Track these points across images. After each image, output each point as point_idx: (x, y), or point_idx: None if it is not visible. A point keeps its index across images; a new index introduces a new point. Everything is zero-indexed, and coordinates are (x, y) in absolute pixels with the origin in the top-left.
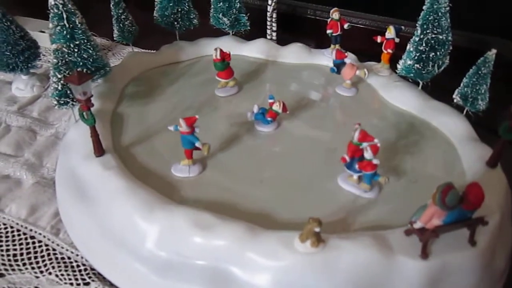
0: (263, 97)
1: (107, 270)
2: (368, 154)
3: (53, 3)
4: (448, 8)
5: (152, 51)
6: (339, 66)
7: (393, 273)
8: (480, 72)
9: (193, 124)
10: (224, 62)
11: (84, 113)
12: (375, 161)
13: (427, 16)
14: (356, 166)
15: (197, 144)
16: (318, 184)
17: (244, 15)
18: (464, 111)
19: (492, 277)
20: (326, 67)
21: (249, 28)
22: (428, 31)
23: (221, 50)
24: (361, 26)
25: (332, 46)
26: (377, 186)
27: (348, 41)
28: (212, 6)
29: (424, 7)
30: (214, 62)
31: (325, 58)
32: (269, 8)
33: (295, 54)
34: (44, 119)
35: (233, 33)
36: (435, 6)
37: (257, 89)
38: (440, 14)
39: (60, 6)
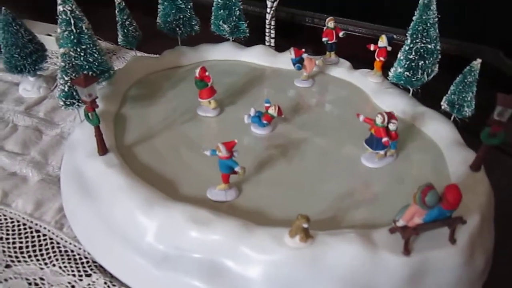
0: (260, 101)
1: (108, 263)
2: (394, 126)
3: (61, 9)
4: (436, 19)
5: (155, 55)
6: (299, 62)
7: (377, 268)
8: (466, 81)
9: (232, 148)
10: (202, 82)
11: (89, 114)
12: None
13: (417, 26)
14: (384, 140)
15: (237, 169)
16: (309, 184)
17: (243, 22)
18: (452, 118)
19: (472, 275)
20: (321, 74)
21: (248, 34)
22: (417, 40)
23: (201, 69)
24: (357, 34)
25: (327, 53)
26: None
27: (344, 48)
28: (212, 13)
29: (413, 18)
30: (195, 79)
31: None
32: (268, 16)
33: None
34: (50, 119)
35: (233, 39)
36: (424, 17)
37: (255, 94)
38: (429, 24)
39: (68, 12)
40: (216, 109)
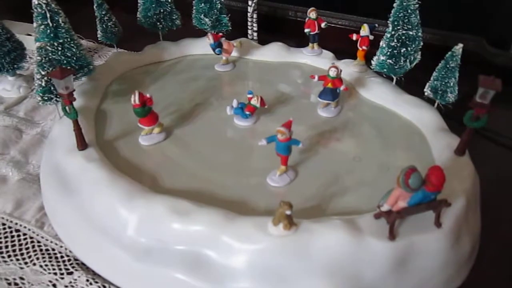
0: (243, 93)
1: (90, 259)
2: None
3: (36, 2)
4: (417, 6)
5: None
6: (218, 46)
7: (362, 254)
8: (448, 66)
9: (291, 127)
10: (145, 108)
11: (67, 107)
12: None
13: (398, 13)
14: (342, 88)
15: (301, 145)
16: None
17: (225, 15)
18: (435, 104)
19: (458, 258)
20: (304, 65)
21: (230, 28)
22: (399, 27)
23: (140, 94)
24: (340, 26)
25: (310, 44)
26: None
27: (327, 40)
28: (194, 7)
29: (394, 5)
30: (134, 108)
31: (304, 56)
32: (250, 9)
33: (274, 52)
34: (30, 118)
35: (215, 33)
36: (404, 4)
37: (238, 86)
38: (409, 11)
39: (44, 5)
40: (161, 133)
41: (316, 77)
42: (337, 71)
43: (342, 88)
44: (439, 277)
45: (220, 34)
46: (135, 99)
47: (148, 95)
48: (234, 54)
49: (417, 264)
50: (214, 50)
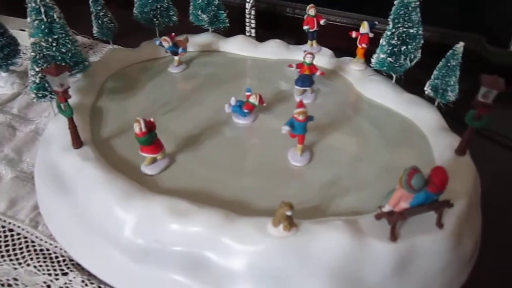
0: (242, 91)
1: (86, 260)
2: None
3: None
4: (418, 3)
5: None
6: (176, 47)
7: (363, 255)
8: (449, 65)
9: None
10: (152, 134)
11: (62, 105)
12: None
13: (398, 11)
14: (318, 73)
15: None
16: (293, 173)
17: (223, 12)
18: (436, 103)
19: (460, 260)
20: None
21: (228, 25)
22: (399, 25)
23: (145, 121)
24: (339, 24)
25: (309, 42)
26: None
27: (326, 38)
28: (191, 3)
29: (395, 2)
30: (138, 138)
31: (302, 53)
32: (248, 5)
33: (273, 50)
34: (24, 115)
35: (213, 30)
36: (405, 1)
37: (236, 84)
38: (410, 8)
39: (38, 0)
40: (164, 159)
41: (294, 66)
42: (313, 57)
43: (318, 73)
44: (441, 279)
45: (173, 34)
46: (141, 127)
47: (152, 119)
48: (236, 52)
49: (419, 266)
50: (176, 52)
